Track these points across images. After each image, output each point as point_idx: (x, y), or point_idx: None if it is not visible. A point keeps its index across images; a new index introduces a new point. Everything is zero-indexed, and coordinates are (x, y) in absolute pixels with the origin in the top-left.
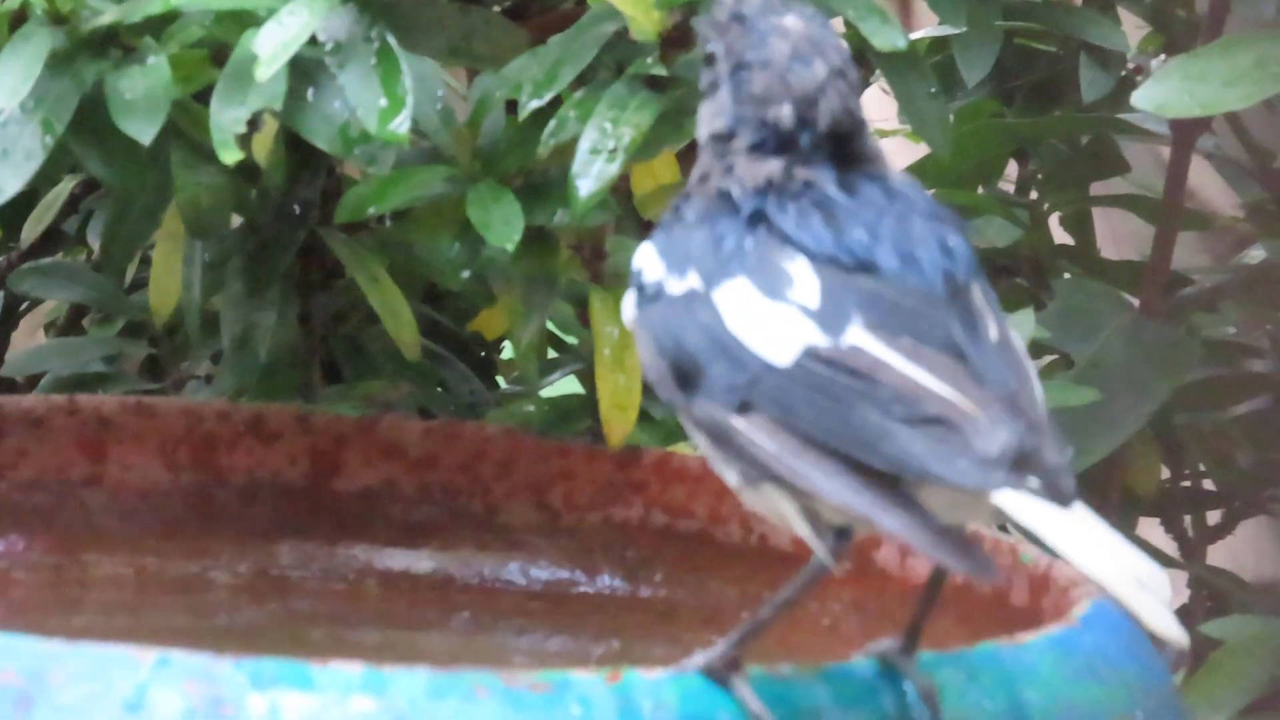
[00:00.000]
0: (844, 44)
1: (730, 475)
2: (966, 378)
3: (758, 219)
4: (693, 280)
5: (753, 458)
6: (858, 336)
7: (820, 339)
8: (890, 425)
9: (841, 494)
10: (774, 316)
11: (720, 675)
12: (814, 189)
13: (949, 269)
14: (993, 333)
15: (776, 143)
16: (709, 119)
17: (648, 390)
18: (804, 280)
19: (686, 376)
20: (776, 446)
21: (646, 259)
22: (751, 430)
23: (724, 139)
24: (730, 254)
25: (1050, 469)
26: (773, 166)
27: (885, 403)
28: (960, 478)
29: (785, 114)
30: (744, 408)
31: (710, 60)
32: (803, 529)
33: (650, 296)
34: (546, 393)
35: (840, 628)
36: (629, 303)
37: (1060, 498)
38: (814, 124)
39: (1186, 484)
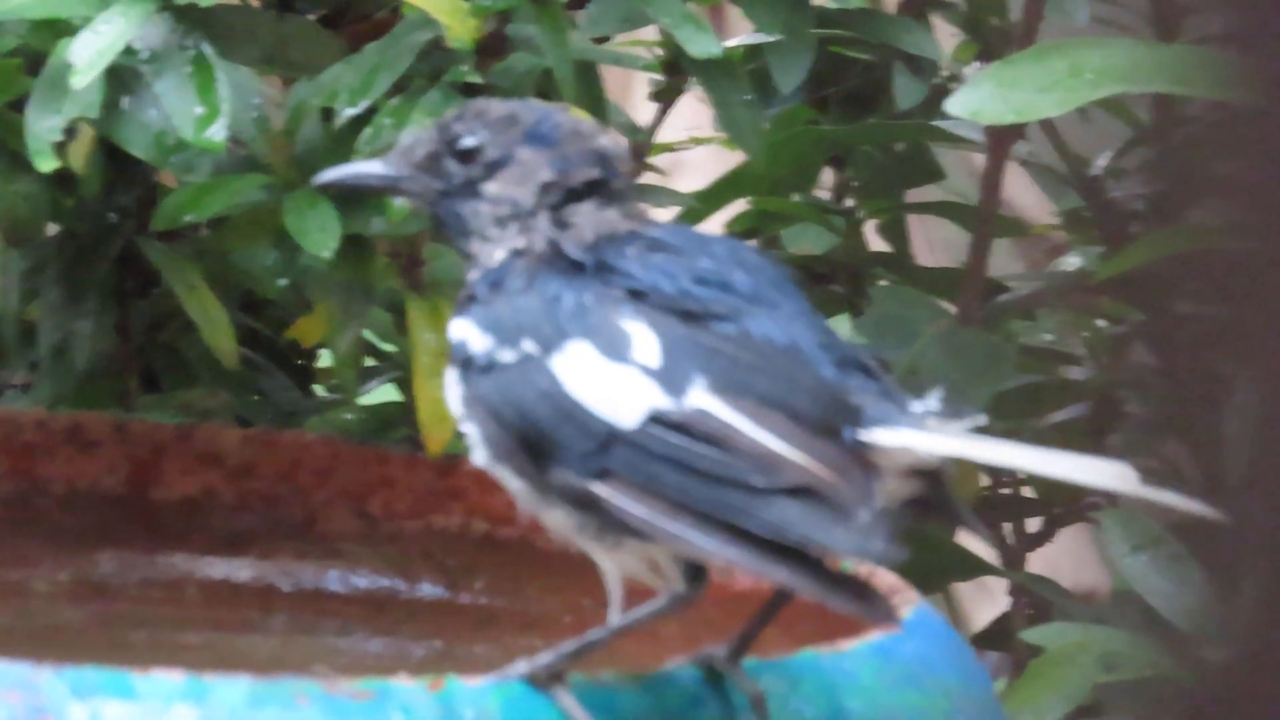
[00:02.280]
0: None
1: (587, 540)
2: (818, 441)
3: (600, 269)
4: (528, 347)
5: (621, 523)
6: (701, 399)
7: (664, 401)
8: (761, 495)
9: (726, 551)
10: (615, 378)
11: (543, 683)
12: (641, 234)
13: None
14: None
15: (602, 182)
16: (511, 192)
17: None
18: (643, 339)
19: (535, 447)
20: (646, 511)
21: (468, 333)
22: (616, 496)
23: (550, 189)
24: (568, 315)
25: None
26: (612, 215)
27: (745, 472)
28: (843, 545)
29: (605, 144)
30: (603, 474)
31: (474, 152)
32: (670, 572)
33: (481, 369)
34: (365, 400)
35: (661, 633)
36: (453, 381)
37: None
38: (616, 169)
39: (1006, 491)
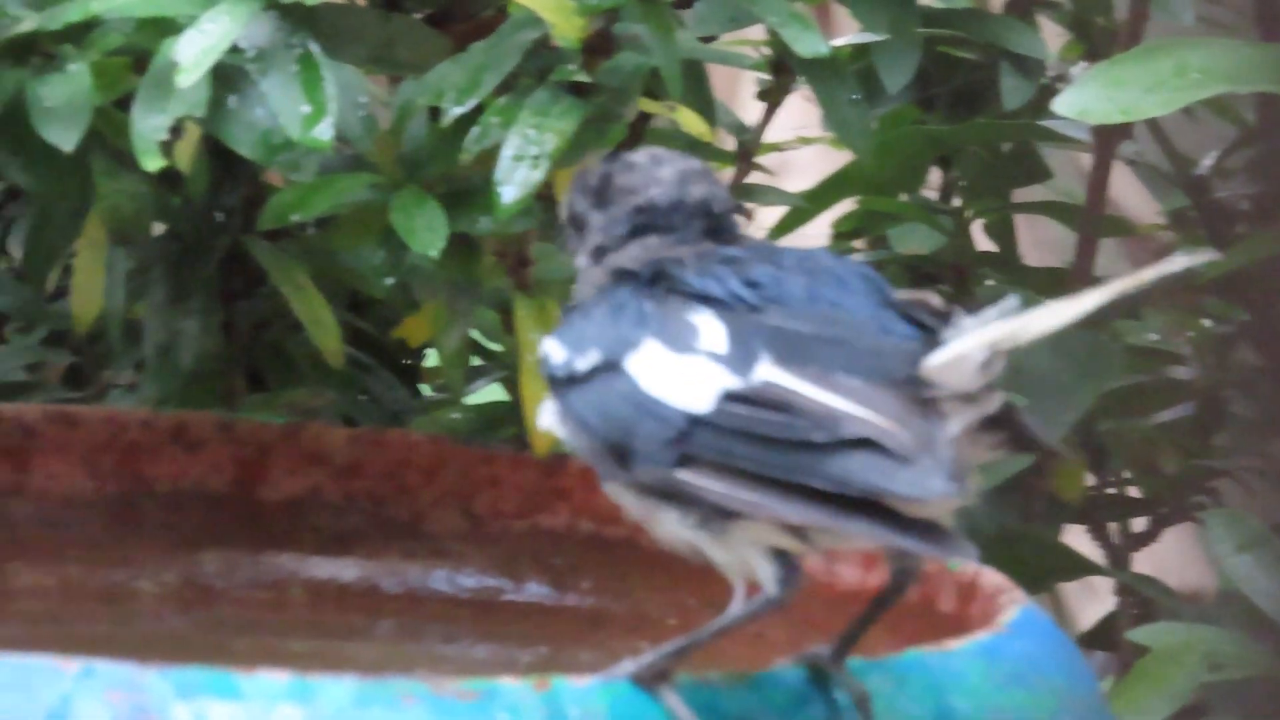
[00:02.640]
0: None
1: (684, 530)
2: (878, 393)
3: (658, 279)
4: (598, 355)
5: (706, 502)
6: (768, 372)
7: (733, 381)
8: (824, 451)
9: (803, 513)
10: (686, 369)
11: (649, 684)
12: (706, 254)
13: (860, 291)
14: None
15: (651, 225)
16: (583, 251)
17: None
18: (709, 329)
19: (620, 448)
20: (725, 487)
21: (552, 349)
22: (698, 479)
23: (603, 251)
24: (634, 321)
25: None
26: (654, 242)
27: (808, 430)
28: (905, 489)
29: (657, 194)
30: (684, 460)
31: (577, 219)
32: (764, 568)
33: (563, 382)
34: (471, 400)
35: (767, 635)
36: (546, 400)
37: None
38: (685, 200)
39: (1112, 490)
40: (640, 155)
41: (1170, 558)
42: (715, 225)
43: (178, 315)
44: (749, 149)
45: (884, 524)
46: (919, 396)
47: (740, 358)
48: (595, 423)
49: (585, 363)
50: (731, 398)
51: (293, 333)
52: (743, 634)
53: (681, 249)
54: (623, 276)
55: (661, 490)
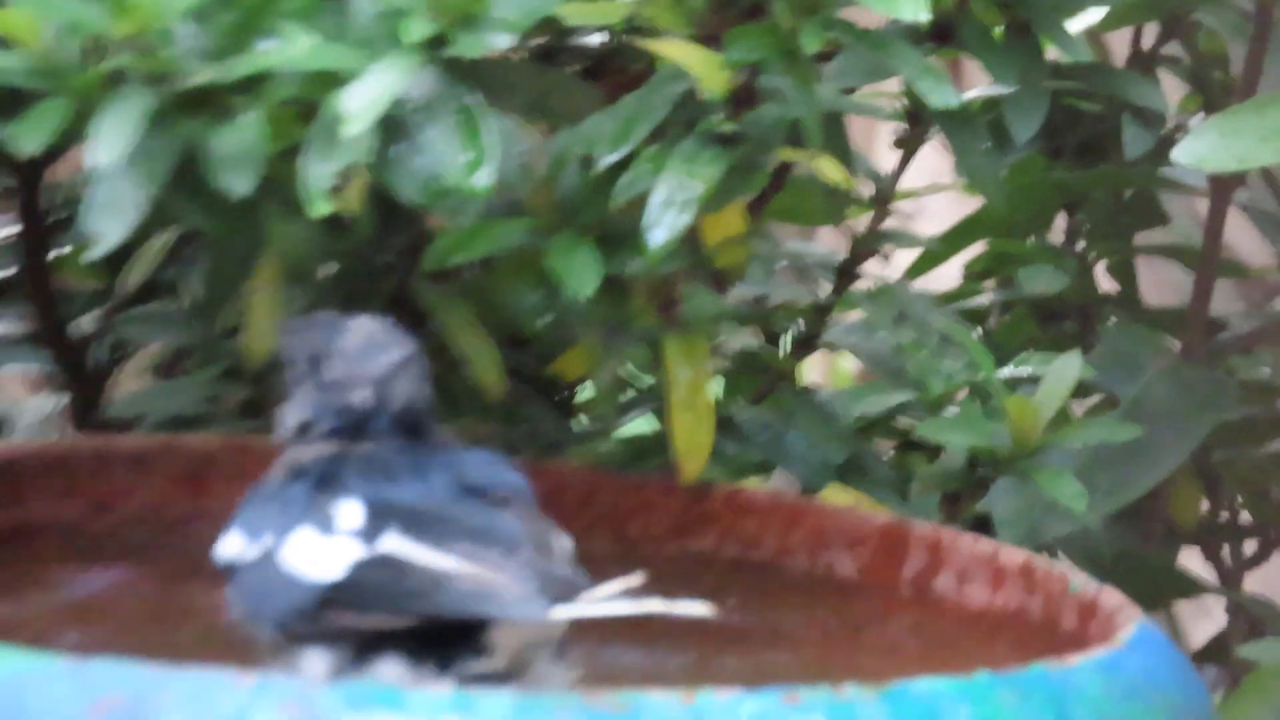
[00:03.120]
0: (410, 340)
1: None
2: (482, 555)
3: (326, 480)
4: (267, 543)
5: (349, 644)
6: (391, 543)
7: (362, 551)
8: (442, 592)
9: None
10: (328, 546)
11: None
12: (376, 455)
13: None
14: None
15: (354, 426)
16: (292, 415)
17: (720, 428)
18: (352, 514)
19: (274, 615)
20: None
21: (233, 541)
22: (339, 620)
23: (306, 429)
24: (296, 513)
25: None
26: (343, 442)
27: (427, 584)
28: (512, 612)
29: (359, 400)
30: (323, 614)
31: (291, 363)
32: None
33: (237, 569)
34: (623, 431)
35: (899, 648)
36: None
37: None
38: (388, 406)
39: (1225, 516)
40: (353, 339)
41: (1279, 578)
42: (410, 425)
43: None
44: (885, 195)
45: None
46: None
47: (371, 533)
48: (255, 599)
49: (255, 551)
50: (360, 565)
51: (456, 368)
52: (877, 645)
53: (361, 447)
54: (300, 472)
55: (314, 635)
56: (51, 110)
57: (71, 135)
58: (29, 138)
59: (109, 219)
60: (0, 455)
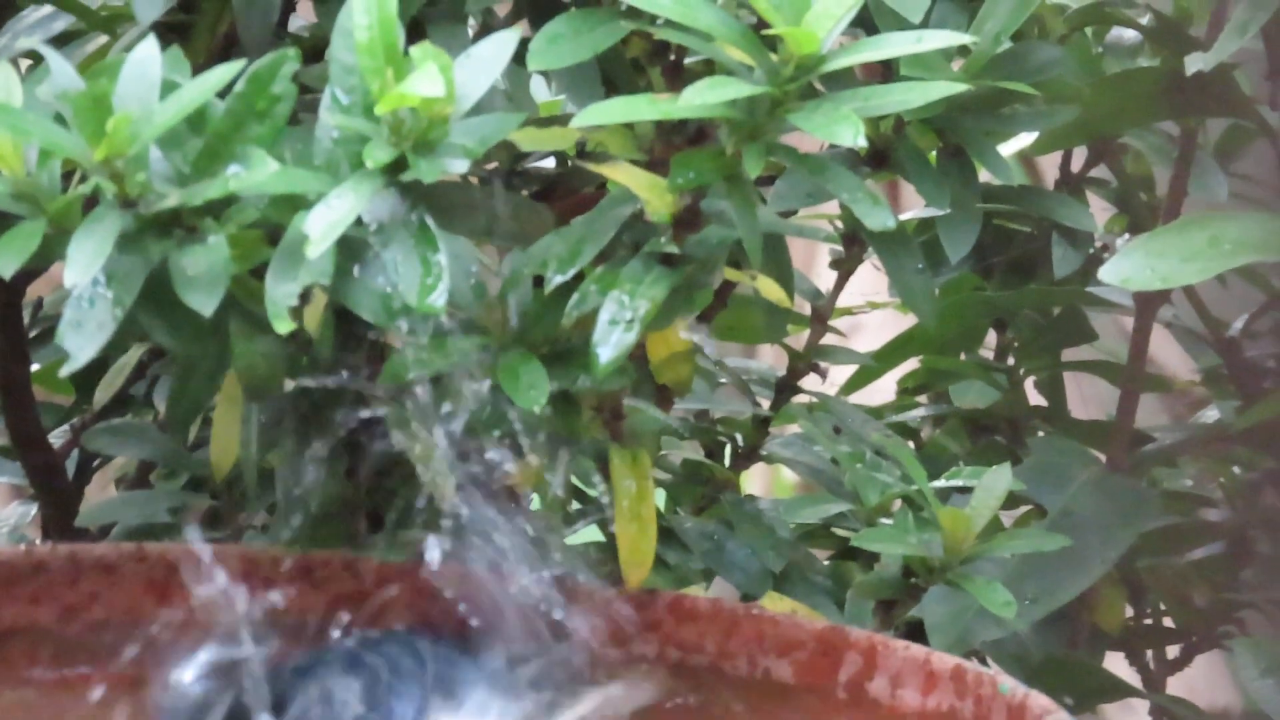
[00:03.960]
0: None
1: None
2: None
3: None
4: None
5: None
6: None
7: None
8: None
9: None
10: None
11: None
12: None
13: None
14: None
15: None
16: None
17: (663, 537)
18: None
19: None
20: None
21: None
22: None
23: None
24: None
25: None
26: None
27: None
28: None
29: None
30: None
31: None
32: None
33: None
34: (570, 540)
35: None
36: None
37: None
38: None
39: (1149, 621)
40: None
41: (1201, 682)
42: None
43: (306, 464)
44: (823, 313)
45: None
46: None
47: None
48: None
49: None
50: None
51: (411, 479)
52: None
53: None
54: None
55: None
56: (28, 233)
57: (47, 256)
58: (6, 260)
59: (82, 337)
60: None
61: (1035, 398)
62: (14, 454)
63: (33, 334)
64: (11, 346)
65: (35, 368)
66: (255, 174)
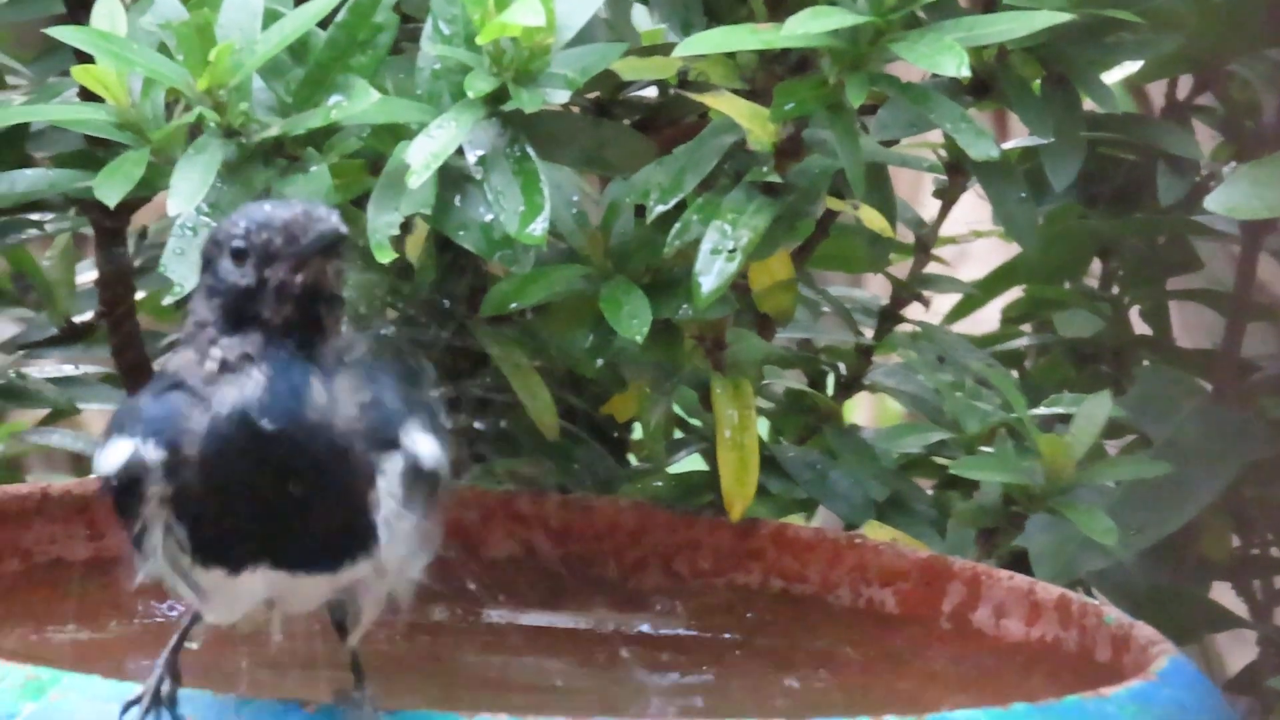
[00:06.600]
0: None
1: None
2: None
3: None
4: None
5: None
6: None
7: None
8: None
9: None
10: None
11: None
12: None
13: None
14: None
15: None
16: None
17: (766, 467)
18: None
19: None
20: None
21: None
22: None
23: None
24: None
25: None
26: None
27: None
28: None
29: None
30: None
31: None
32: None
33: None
34: (673, 469)
35: (939, 674)
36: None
37: None
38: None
39: (1255, 551)
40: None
41: None
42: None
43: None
44: (926, 242)
45: None
46: None
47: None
48: None
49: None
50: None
51: (512, 408)
52: (917, 673)
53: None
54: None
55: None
56: (133, 162)
57: (152, 185)
58: (112, 188)
59: (186, 265)
60: (81, 491)
61: (1140, 327)
62: (120, 381)
63: (137, 263)
64: (117, 275)
65: (140, 295)
66: (357, 103)
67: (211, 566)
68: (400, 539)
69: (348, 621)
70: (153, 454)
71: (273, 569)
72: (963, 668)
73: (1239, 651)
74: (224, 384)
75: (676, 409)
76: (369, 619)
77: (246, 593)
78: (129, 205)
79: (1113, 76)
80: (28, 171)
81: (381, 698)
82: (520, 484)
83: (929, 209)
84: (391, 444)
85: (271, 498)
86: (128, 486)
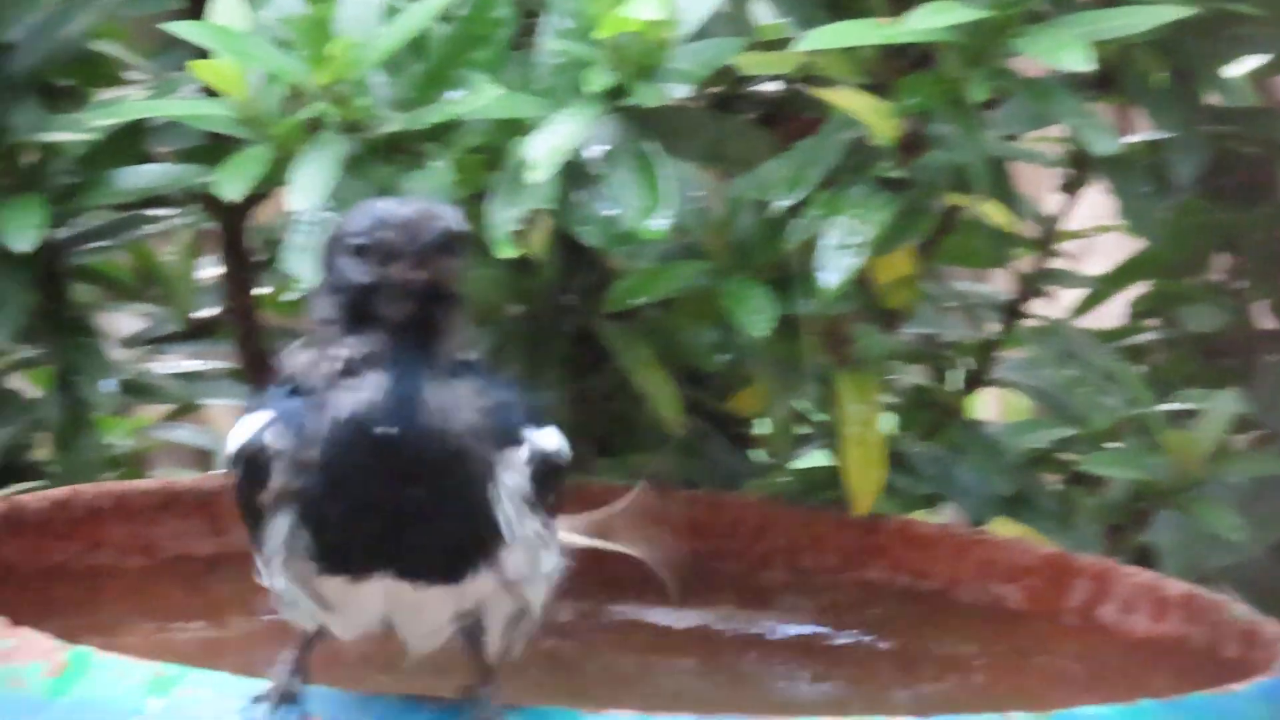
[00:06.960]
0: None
1: None
2: None
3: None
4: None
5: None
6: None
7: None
8: None
9: None
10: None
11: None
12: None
13: None
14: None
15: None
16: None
17: (891, 462)
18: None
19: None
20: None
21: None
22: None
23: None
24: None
25: None
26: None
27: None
28: None
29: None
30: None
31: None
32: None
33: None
34: (797, 465)
35: (1066, 671)
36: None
37: None
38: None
39: None
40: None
41: None
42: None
43: (535, 388)
44: (1049, 237)
45: None
46: None
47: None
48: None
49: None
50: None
51: (636, 404)
52: (1043, 672)
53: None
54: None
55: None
56: (254, 157)
57: (272, 180)
58: (232, 183)
59: (307, 261)
60: (205, 486)
61: (1268, 321)
62: (244, 376)
63: (259, 259)
64: (238, 270)
65: (263, 291)
66: (478, 99)
67: (334, 573)
68: (523, 545)
69: (481, 648)
70: (277, 443)
71: (395, 579)
72: (1088, 663)
73: None
74: (343, 387)
75: (800, 404)
76: (501, 642)
77: (369, 605)
78: (250, 200)
79: (1237, 70)
80: (148, 167)
81: (505, 694)
82: (646, 479)
83: (1052, 204)
84: (514, 440)
85: (392, 502)
86: (251, 471)
